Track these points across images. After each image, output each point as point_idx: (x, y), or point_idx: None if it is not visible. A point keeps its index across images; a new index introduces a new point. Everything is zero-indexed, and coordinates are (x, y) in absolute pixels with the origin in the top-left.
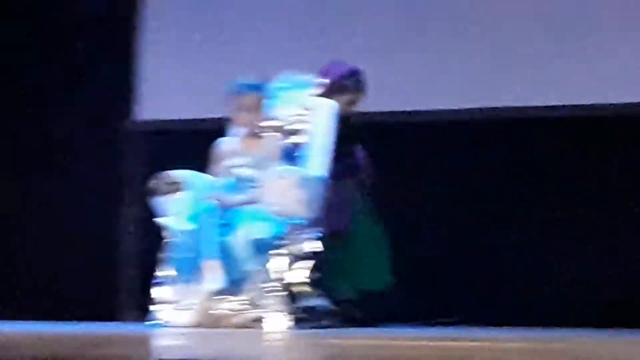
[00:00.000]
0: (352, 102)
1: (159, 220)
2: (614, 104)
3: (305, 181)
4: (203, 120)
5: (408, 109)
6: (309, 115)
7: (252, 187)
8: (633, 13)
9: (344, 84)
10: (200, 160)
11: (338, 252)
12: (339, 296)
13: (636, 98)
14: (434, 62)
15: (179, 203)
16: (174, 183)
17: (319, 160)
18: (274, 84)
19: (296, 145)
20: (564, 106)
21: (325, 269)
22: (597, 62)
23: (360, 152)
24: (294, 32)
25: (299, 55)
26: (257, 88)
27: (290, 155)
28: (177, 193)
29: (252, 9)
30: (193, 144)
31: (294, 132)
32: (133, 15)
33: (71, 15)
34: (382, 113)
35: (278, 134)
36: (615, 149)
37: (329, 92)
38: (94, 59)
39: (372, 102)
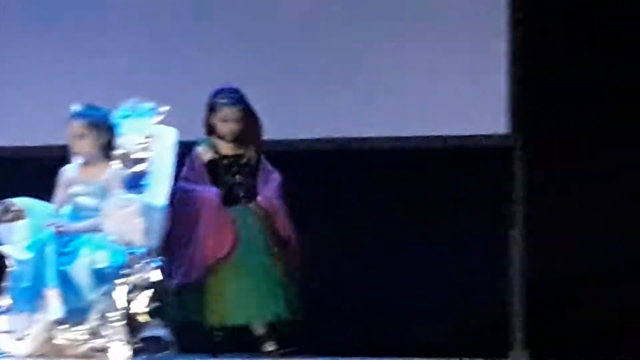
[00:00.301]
0: (226, 119)
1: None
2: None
3: (146, 210)
4: (46, 147)
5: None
6: (151, 143)
7: (92, 215)
8: None
9: (212, 101)
10: (41, 187)
11: (211, 280)
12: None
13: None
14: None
15: (19, 231)
16: (14, 210)
17: (160, 189)
18: (117, 112)
19: (138, 174)
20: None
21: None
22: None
23: (267, 176)
24: (145, 59)
25: (148, 83)
26: (82, 116)
27: (133, 183)
28: (17, 221)
29: (106, 33)
30: (34, 171)
31: (136, 160)
32: None
33: None
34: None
35: (115, 162)
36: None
37: (206, 113)
38: None
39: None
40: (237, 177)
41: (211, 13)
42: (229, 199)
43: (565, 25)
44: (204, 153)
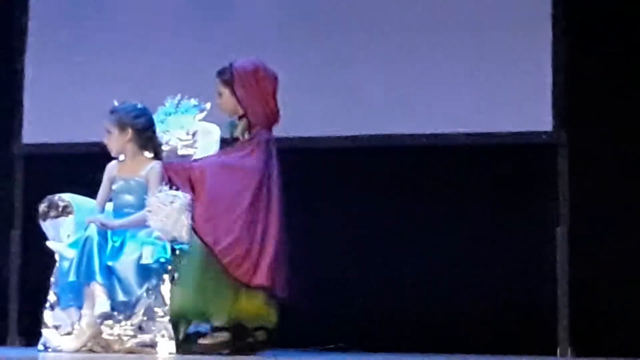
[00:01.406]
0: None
1: (46, 244)
2: None
3: (191, 206)
4: (92, 143)
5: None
6: (195, 139)
7: (133, 211)
8: None
9: None
10: (86, 184)
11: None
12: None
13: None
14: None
15: (65, 227)
16: (61, 206)
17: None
18: (161, 109)
19: None
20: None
21: None
22: None
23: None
24: (190, 55)
25: (189, 79)
26: (111, 113)
27: None
28: (64, 217)
29: (145, 29)
30: (80, 167)
31: (180, 157)
32: (18, 38)
33: None
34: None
35: (153, 161)
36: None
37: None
38: None
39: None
40: None
41: (252, 9)
42: None
43: (611, 22)
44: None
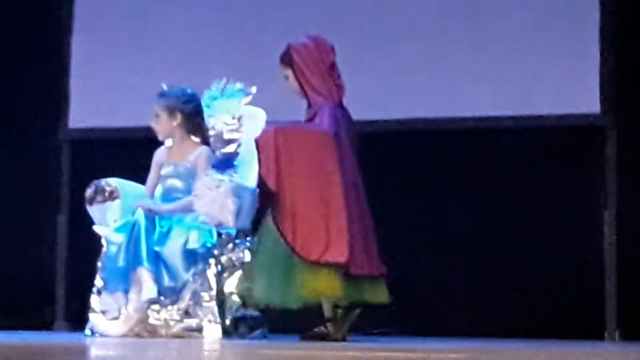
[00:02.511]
0: None
1: (93, 228)
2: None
3: (237, 190)
4: (140, 128)
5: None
6: (241, 123)
7: (181, 196)
8: None
9: None
10: (132, 168)
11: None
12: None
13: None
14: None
15: (112, 211)
16: (107, 191)
17: (250, 170)
18: (207, 93)
19: (229, 155)
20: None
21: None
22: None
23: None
24: (235, 38)
25: (236, 63)
26: (159, 97)
27: (224, 164)
28: (110, 201)
29: (191, 15)
30: (126, 151)
31: (227, 141)
32: (64, 23)
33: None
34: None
35: (201, 146)
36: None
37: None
38: (26, 67)
39: None
40: None
41: None
42: None
43: None
44: None
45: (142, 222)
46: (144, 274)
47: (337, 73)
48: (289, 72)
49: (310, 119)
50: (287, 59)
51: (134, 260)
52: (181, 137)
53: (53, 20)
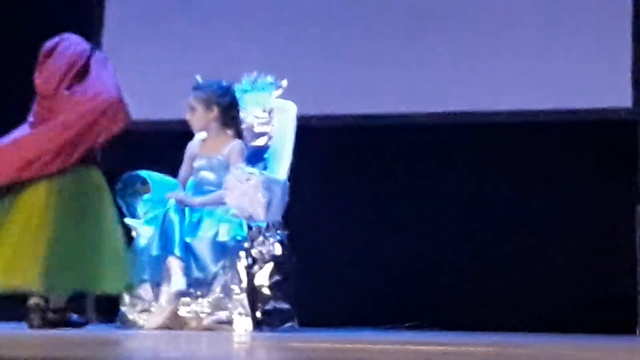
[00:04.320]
0: None
1: (125, 220)
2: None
3: (267, 183)
4: (173, 121)
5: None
6: (271, 117)
7: (214, 189)
8: None
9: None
10: (166, 161)
11: None
12: None
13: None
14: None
15: (144, 203)
16: (139, 184)
17: (281, 162)
18: (237, 86)
19: (260, 148)
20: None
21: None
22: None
23: None
24: (263, 32)
25: (266, 57)
26: (195, 90)
27: (254, 157)
28: (142, 193)
29: (223, 7)
30: (158, 144)
31: (258, 134)
32: (96, 14)
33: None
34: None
35: (235, 140)
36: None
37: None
38: None
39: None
40: None
41: None
42: None
43: None
44: None
45: (174, 213)
46: (174, 265)
47: None
48: None
49: None
50: None
51: (164, 252)
52: (216, 130)
53: (84, 12)
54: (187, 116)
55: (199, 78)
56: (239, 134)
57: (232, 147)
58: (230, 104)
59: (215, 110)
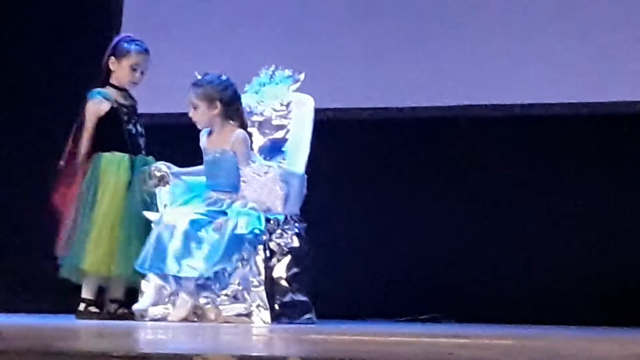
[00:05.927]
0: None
1: (144, 213)
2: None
3: (285, 176)
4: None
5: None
6: (289, 110)
7: (224, 181)
8: None
9: (124, 47)
10: (182, 153)
11: None
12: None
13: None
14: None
15: (163, 197)
16: (158, 176)
17: (299, 155)
18: (255, 79)
19: (277, 140)
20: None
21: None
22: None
23: None
24: (275, 27)
25: (282, 51)
26: (195, 86)
27: (272, 150)
28: (161, 186)
29: (240, 2)
30: (175, 137)
31: (276, 127)
32: (113, 9)
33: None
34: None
35: (237, 130)
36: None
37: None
38: (77, 60)
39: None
40: (138, 126)
41: None
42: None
43: None
44: (99, 103)
45: (193, 207)
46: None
47: None
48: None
49: None
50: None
51: (183, 245)
52: (221, 124)
53: (102, 8)
54: (190, 113)
55: (197, 75)
56: (242, 124)
57: (235, 138)
58: (232, 97)
59: (219, 106)
